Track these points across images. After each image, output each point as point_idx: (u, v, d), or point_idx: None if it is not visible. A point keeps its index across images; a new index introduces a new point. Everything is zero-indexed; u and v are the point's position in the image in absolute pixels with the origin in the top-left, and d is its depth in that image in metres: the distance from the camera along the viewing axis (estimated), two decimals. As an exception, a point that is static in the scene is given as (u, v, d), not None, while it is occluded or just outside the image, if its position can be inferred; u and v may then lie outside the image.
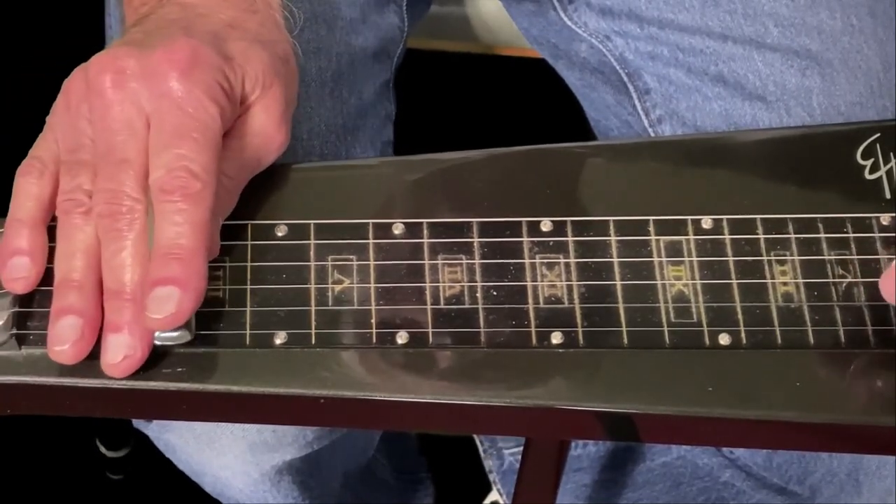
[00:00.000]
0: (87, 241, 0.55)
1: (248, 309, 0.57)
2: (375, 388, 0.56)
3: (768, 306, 0.58)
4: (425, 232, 0.59)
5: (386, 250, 0.59)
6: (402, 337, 0.57)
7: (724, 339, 0.58)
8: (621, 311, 0.58)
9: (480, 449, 1.14)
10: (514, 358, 0.57)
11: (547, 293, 0.58)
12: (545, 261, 0.59)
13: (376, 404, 0.57)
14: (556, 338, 0.57)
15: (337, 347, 0.57)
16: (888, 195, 0.62)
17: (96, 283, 0.55)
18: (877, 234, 0.60)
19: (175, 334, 0.55)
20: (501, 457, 1.13)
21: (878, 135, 0.63)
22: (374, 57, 0.81)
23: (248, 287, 0.57)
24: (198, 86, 0.55)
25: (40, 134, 0.58)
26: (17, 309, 0.56)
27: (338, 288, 0.58)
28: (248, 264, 0.58)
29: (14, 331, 0.55)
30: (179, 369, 0.56)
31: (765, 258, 0.59)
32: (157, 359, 0.55)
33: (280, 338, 0.56)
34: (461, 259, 0.59)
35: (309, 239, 0.59)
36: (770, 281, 0.59)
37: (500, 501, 1.15)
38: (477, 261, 0.59)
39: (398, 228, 0.59)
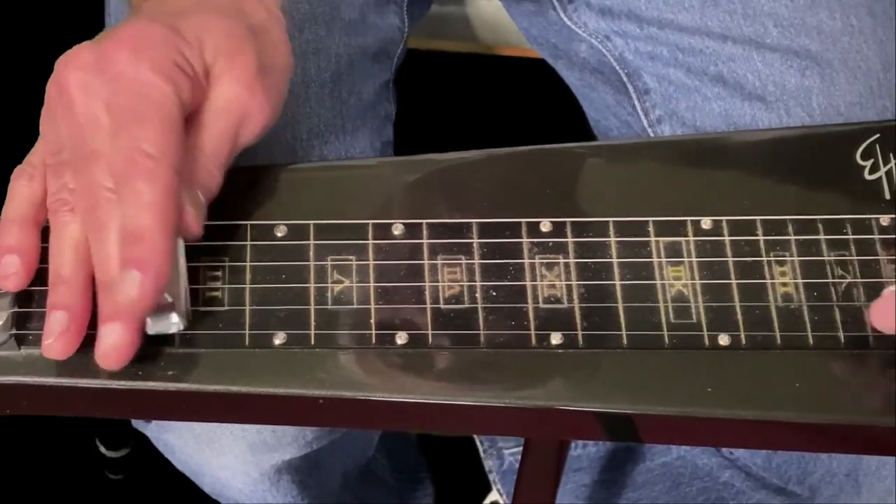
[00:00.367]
0: (76, 237, 0.56)
1: (248, 309, 0.57)
2: (375, 388, 0.57)
3: (768, 307, 0.58)
4: (425, 232, 0.59)
5: (385, 251, 0.59)
6: (401, 337, 0.57)
7: (723, 340, 0.58)
8: (621, 312, 0.58)
9: (480, 449, 1.14)
10: (514, 358, 0.57)
11: (546, 294, 0.58)
12: (545, 261, 0.59)
13: (375, 405, 0.57)
14: (556, 338, 0.57)
15: (336, 348, 0.57)
16: (888, 196, 0.62)
17: (86, 277, 0.55)
18: (876, 235, 0.60)
19: (167, 322, 0.55)
20: (501, 457, 1.13)
21: (877, 135, 0.63)
22: (373, 57, 0.81)
23: (248, 287, 0.57)
24: (146, 64, 0.55)
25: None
26: (16, 309, 0.56)
27: (337, 288, 0.58)
28: (248, 264, 0.58)
29: (13, 331, 0.55)
30: (179, 369, 0.56)
31: (764, 259, 0.59)
32: (156, 359, 0.56)
33: (279, 338, 0.56)
34: (461, 259, 0.59)
35: (308, 239, 0.59)
36: (769, 281, 0.59)
37: (500, 501, 1.15)
38: (476, 261, 0.59)
39: (398, 229, 0.59)
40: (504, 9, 0.92)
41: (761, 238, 0.60)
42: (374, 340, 0.57)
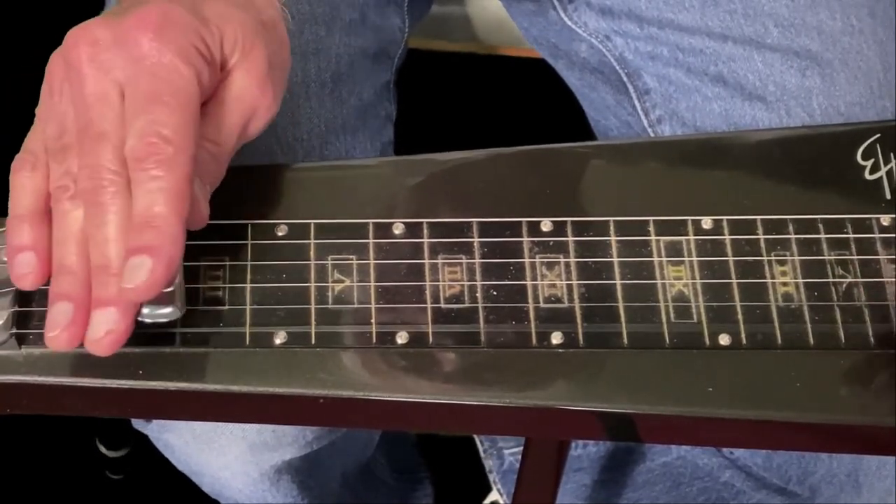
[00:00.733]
0: (79, 225, 0.54)
1: (248, 308, 0.57)
2: (375, 387, 0.56)
3: (768, 306, 0.58)
4: (425, 232, 0.59)
5: (386, 250, 0.59)
6: (402, 336, 0.57)
7: (724, 339, 0.58)
8: (621, 311, 0.58)
9: (480, 449, 1.14)
10: (514, 358, 0.57)
11: (547, 293, 0.58)
12: (545, 261, 0.59)
13: (376, 404, 0.56)
14: (556, 338, 0.57)
15: (337, 347, 0.57)
16: (888, 196, 0.62)
17: (89, 266, 0.53)
18: (877, 235, 0.60)
19: (164, 311, 0.54)
20: (501, 457, 1.13)
21: (878, 135, 0.63)
22: (374, 57, 0.81)
23: (248, 286, 0.57)
24: (170, 48, 0.54)
25: (32, 126, 0.57)
26: (16, 308, 0.56)
27: (338, 287, 0.58)
28: (248, 263, 0.58)
29: (14, 330, 0.55)
30: (179, 369, 0.56)
31: (765, 258, 0.59)
32: (156, 358, 0.55)
33: (280, 337, 0.56)
34: (461, 259, 0.59)
35: (309, 238, 0.59)
36: (770, 281, 0.59)
37: (500, 501, 1.15)
38: (477, 260, 0.59)
39: (398, 228, 0.59)
40: (504, 9, 0.92)
41: (762, 238, 0.60)
42: (374, 340, 0.57)
